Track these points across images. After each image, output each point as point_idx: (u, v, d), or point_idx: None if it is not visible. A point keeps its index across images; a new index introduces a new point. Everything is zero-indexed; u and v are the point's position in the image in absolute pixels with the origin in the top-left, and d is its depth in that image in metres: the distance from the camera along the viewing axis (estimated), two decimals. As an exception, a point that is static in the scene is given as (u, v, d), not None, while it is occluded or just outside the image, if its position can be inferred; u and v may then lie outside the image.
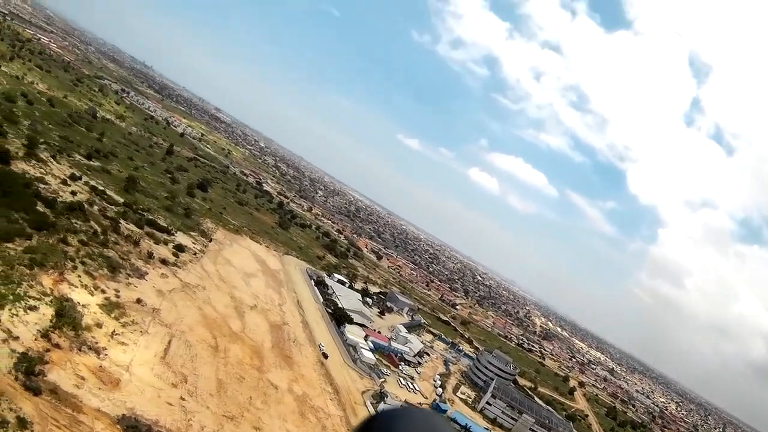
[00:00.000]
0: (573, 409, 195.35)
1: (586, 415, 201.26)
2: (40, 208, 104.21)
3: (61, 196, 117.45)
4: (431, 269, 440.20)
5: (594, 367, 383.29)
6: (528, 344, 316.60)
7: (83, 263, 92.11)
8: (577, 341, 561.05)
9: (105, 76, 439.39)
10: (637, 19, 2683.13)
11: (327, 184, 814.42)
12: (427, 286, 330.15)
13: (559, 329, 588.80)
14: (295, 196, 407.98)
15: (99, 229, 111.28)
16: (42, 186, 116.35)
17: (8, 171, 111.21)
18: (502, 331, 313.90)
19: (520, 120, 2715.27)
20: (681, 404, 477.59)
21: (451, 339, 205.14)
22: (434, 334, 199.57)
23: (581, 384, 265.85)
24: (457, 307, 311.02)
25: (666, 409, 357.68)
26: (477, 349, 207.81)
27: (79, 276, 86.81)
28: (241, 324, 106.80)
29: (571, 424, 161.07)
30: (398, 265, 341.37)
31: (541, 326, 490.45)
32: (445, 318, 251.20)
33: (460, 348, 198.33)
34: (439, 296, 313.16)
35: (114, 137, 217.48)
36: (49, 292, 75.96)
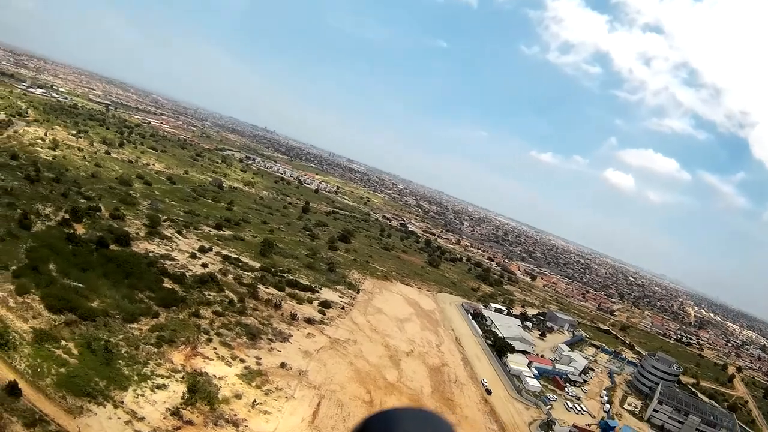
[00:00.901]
0: (733, 398, 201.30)
1: (746, 402, 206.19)
2: (168, 284, 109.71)
3: (191, 270, 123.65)
4: (585, 280, 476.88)
5: (748, 347, 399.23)
6: (686, 337, 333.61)
7: (219, 334, 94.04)
8: (729, 324, 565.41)
9: (227, 147, 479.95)
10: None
11: (471, 213, 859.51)
12: (584, 297, 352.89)
13: (712, 315, 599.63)
14: (441, 231, 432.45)
15: (235, 298, 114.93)
16: (168, 262, 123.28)
17: (129, 252, 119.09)
18: (660, 329, 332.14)
19: (641, 111, 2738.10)
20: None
21: (613, 348, 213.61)
22: (596, 347, 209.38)
23: (739, 369, 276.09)
24: (615, 313, 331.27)
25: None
26: (639, 354, 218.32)
27: (215, 348, 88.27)
28: (398, 373, 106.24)
29: (734, 414, 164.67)
30: (552, 282, 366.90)
31: (695, 316, 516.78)
32: (605, 327, 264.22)
33: (623, 356, 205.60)
34: (597, 305, 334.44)
35: (244, 204, 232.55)
36: (180, 368, 77.19)
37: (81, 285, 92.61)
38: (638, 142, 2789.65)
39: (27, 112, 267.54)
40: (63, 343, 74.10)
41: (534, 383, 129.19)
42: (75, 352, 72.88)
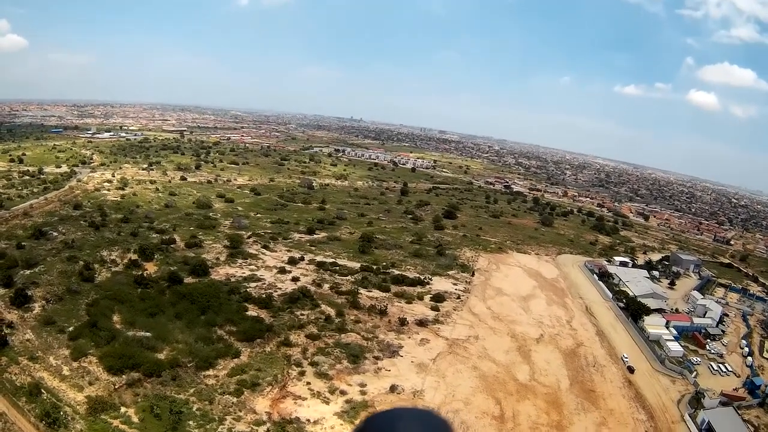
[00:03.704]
0: None
1: None
2: (253, 311, 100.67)
3: (279, 288, 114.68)
4: (693, 210, 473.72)
5: None
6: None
7: (314, 364, 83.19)
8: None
9: (314, 145, 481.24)
10: None
11: (570, 161, 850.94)
12: (698, 230, 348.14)
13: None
14: (546, 185, 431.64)
15: (332, 312, 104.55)
16: (253, 285, 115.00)
17: (206, 283, 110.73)
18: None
19: (708, 25, 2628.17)
20: None
21: (740, 285, 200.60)
22: (725, 286, 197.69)
23: None
24: (731, 242, 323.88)
25: None
26: (764, 286, 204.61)
27: (309, 383, 77.49)
28: (529, 368, 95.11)
29: None
30: (665, 219, 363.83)
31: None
32: (725, 260, 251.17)
33: (752, 293, 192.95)
34: (712, 237, 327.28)
35: (338, 200, 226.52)
36: (265, 418, 66.94)
37: (148, 334, 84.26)
38: (713, 57, 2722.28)
39: (92, 159, 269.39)
40: (122, 410, 65.66)
41: (676, 347, 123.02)
42: (135, 419, 64.17)
